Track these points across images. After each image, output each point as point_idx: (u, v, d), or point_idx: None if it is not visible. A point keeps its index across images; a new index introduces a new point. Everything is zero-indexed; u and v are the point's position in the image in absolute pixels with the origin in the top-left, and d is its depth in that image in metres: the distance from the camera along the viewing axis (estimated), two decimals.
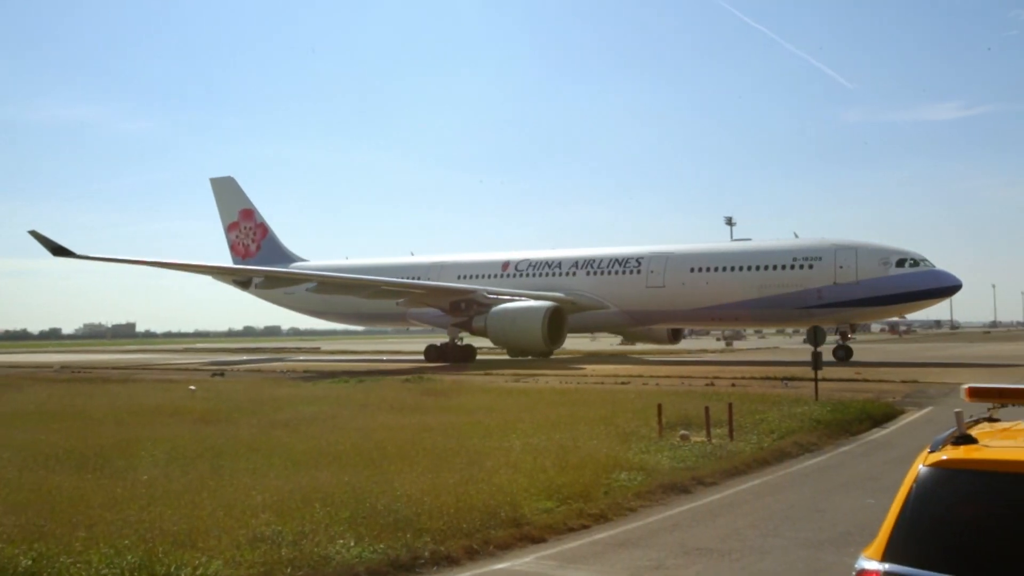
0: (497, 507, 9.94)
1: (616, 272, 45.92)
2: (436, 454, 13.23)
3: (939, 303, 43.49)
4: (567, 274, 47.43)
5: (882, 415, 19.71)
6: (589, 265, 46.91)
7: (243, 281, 57.86)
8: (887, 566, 3.85)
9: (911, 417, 19.80)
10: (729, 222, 55.50)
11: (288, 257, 61.14)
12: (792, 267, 40.82)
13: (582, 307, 45.65)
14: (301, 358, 56.13)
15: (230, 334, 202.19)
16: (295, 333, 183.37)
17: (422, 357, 47.62)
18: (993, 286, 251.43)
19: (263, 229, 61.77)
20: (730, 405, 16.59)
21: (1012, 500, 3.79)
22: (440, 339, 50.23)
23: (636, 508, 10.99)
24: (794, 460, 14.59)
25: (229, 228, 62.69)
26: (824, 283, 39.68)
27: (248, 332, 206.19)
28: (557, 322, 42.53)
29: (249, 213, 62.08)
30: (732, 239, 52.22)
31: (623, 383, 28.34)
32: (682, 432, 15.92)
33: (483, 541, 9.15)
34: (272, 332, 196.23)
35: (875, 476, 12.84)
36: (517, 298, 44.49)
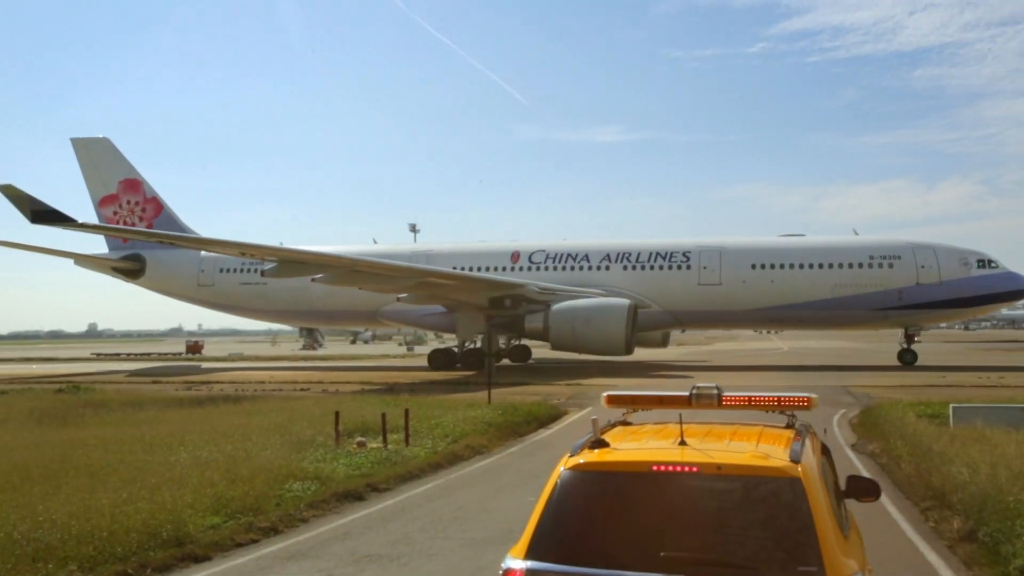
0: (158, 526, 9.31)
1: (660, 267, 40.82)
2: (91, 472, 12.09)
3: (1009, 305, 42.54)
4: (597, 267, 41.58)
5: (548, 416, 21.21)
6: (625, 258, 41.45)
7: (129, 270, 47.62)
8: (529, 564, 4.15)
9: (573, 417, 21.48)
10: (413, 229, 56.46)
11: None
12: (870, 266, 38.12)
13: None
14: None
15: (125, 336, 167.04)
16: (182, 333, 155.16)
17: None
18: None
19: (155, 205, 48.92)
20: (407, 411, 16.92)
21: (634, 495, 4.25)
22: (440, 343, 44.00)
23: (308, 519, 10.84)
24: (466, 462, 15.23)
25: (103, 203, 49.02)
26: (906, 283, 37.54)
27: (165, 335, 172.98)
28: (634, 322, 37.85)
29: (135, 184, 48.98)
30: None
31: (302, 390, 27.87)
32: (359, 439, 15.97)
33: (139, 565, 8.52)
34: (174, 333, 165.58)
35: (537, 475, 13.73)
36: (573, 294, 38.84)
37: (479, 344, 40.23)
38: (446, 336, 51.52)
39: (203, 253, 46.35)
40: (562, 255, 42.27)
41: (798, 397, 5.02)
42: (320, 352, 73.91)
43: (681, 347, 68.29)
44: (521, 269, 42.06)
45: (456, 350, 41.00)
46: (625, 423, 5.43)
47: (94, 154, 48.74)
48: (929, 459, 12.19)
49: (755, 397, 5.07)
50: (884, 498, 10.93)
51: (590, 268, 41.48)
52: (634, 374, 35.48)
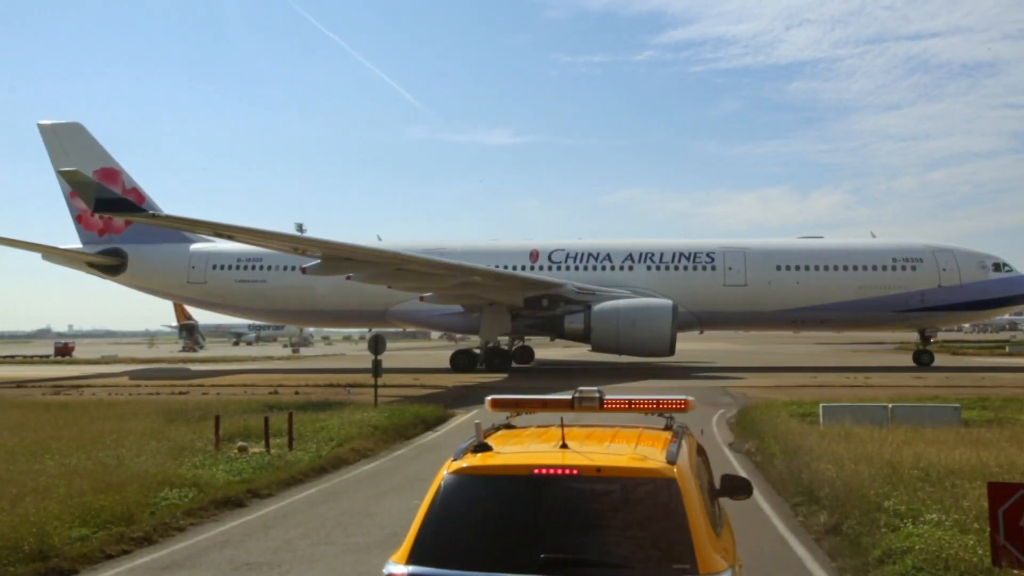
0: (20, 540, 8.80)
1: (685, 267, 40.26)
2: None
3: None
4: (620, 267, 40.69)
5: (435, 419, 21.16)
6: (649, 258, 40.75)
7: (107, 265, 43.92)
8: (411, 569, 4.14)
9: (460, 419, 21.48)
10: (300, 229, 55.32)
11: (181, 236, 45.55)
12: (893, 268, 38.69)
13: None
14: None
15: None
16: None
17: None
18: None
19: (136, 196, 44.64)
20: (291, 414, 16.57)
21: (516, 498, 4.30)
22: (460, 345, 41.33)
23: (185, 527, 10.48)
24: (351, 466, 15.04)
25: (74, 193, 43.75)
26: (928, 285, 38.15)
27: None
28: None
29: (112, 174, 45.03)
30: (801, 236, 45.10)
31: (181, 393, 26.91)
32: (240, 444, 15.56)
33: None
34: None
35: (424, 478, 13.65)
36: (611, 294, 37.71)
37: (501, 345, 39.69)
38: (449, 336, 49.06)
39: (192, 247, 44.35)
40: (583, 254, 41.52)
41: (676, 400, 5.17)
42: (202, 354, 71.35)
43: (569, 349, 69.12)
44: (541, 268, 40.96)
45: (478, 351, 39.82)
46: (509, 426, 5.48)
47: (64, 141, 45.04)
48: (800, 457, 12.75)
49: (635, 400, 5.19)
50: (757, 495, 11.38)
51: (612, 268, 40.80)
52: (660, 375, 34.70)
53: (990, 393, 23.28)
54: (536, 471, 4.31)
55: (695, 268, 40.14)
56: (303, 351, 78.35)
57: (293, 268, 40.79)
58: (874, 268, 38.77)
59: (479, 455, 4.55)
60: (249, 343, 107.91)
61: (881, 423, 15.87)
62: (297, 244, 34.56)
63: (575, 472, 4.27)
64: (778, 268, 39.40)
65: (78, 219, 45.79)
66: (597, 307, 36.69)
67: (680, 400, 5.17)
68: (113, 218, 43.36)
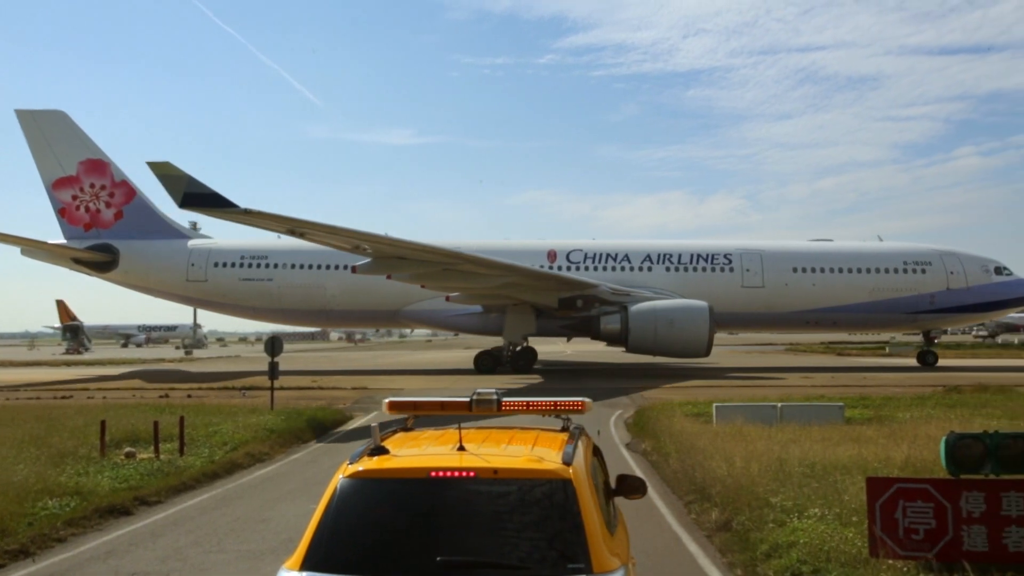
0: None
1: (704, 269, 40.21)
2: None
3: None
4: (640, 268, 40.37)
5: (332, 421, 20.85)
6: (667, 259, 40.60)
7: (96, 262, 40.85)
8: (305, 574, 4.07)
9: (358, 422, 21.23)
10: (194, 227, 53.57)
11: (177, 232, 43.48)
12: (905, 271, 39.69)
13: None
14: None
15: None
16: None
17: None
18: None
19: (127, 189, 42.71)
20: (182, 418, 16.03)
21: (413, 501, 4.27)
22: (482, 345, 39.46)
23: (66, 538, 10.00)
24: (245, 471, 14.68)
25: (57, 185, 42.34)
26: (938, 288, 39.27)
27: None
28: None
29: (99, 166, 42.48)
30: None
31: (64, 397, 25.74)
32: (128, 449, 14.97)
33: None
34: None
35: (320, 481, 13.41)
36: (646, 296, 37.26)
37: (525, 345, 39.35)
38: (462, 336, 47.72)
39: (190, 243, 42.04)
40: (601, 255, 41.19)
41: (573, 401, 5.24)
42: (88, 356, 68.37)
43: (471, 350, 69.12)
44: (560, 268, 40.37)
45: (501, 352, 39.19)
46: (407, 429, 5.44)
47: (46, 129, 42.35)
48: (693, 455, 13.10)
49: (532, 402, 5.23)
50: (653, 493, 11.66)
51: (632, 269, 40.56)
52: (691, 376, 34.31)
53: (871, 392, 24.44)
54: (433, 473, 4.29)
55: (713, 270, 40.36)
56: (196, 353, 75.91)
57: (301, 266, 40.13)
58: (886, 271, 39.82)
59: (375, 458, 4.51)
60: (139, 345, 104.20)
61: (771, 422, 16.45)
62: (390, 245, 33.23)
63: (472, 474, 4.27)
64: (794, 270, 40.06)
65: (60, 212, 42.76)
66: (635, 308, 36.49)
67: (577, 402, 5.24)
68: (101, 212, 41.91)
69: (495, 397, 5.12)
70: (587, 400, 5.29)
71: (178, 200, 27.69)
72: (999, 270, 40.38)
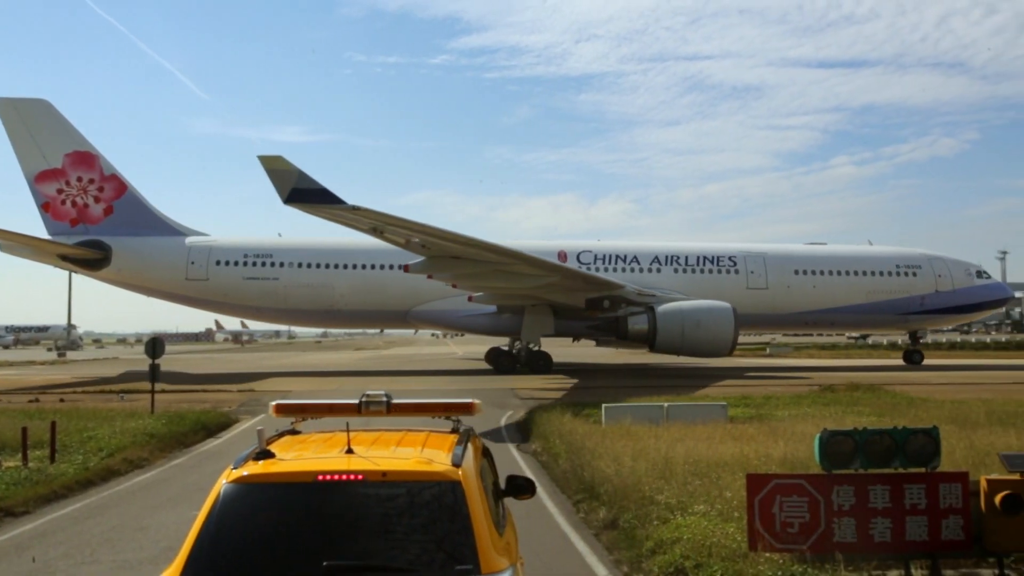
0: None
1: (710, 270, 40.76)
2: None
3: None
4: (648, 270, 40.48)
5: (217, 425, 20.24)
6: (675, 261, 40.99)
7: (85, 259, 38.40)
8: None
9: (244, 425, 20.66)
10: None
11: (171, 228, 40.45)
12: (897, 274, 41.15)
13: None
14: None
15: None
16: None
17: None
18: None
19: (117, 184, 39.75)
20: (53, 424, 15.25)
21: (300, 506, 4.19)
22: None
23: None
24: (122, 478, 14.10)
25: (41, 178, 39.05)
26: (927, 290, 40.87)
27: None
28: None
29: (87, 159, 39.42)
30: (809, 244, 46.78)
31: None
32: None
33: None
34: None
35: (204, 487, 12.97)
36: (670, 297, 37.26)
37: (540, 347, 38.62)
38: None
39: (188, 240, 39.64)
40: (611, 256, 41.29)
41: (462, 403, 5.24)
42: None
43: (363, 352, 68.40)
44: None
45: (515, 352, 38.78)
46: (293, 432, 5.33)
47: (27, 119, 39.58)
48: (582, 455, 13.30)
49: (422, 403, 5.21)
50: (542, 493, 11.79)
51: (641, 270, 40.83)
52: (718, 377, 34.27)
53: (752, 392, 25.35)
54: (320, 477, 4.22)
55: (719, 271, 41.26)
56: (70, 355, 72.33)
57: (309, 265, 39.19)
58: (880, 274, 41.58)
59: (261, 463, 4.40)
60: (7, 347, 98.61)
61: (657, 421, 16.85)
62: (489, 251, 32.94)
63: (360, 477, 4.22)
64: (796, 272, 41.36)
65: (44, 207, 40.06)
66: (662, 308, 36.68)
67: (467, 403, 5.25)
68: (89, 207, 39.65)
69: (385, 399, 5.07)
70: (476, 401, 5.31)
71: (283, 196, 26.89)
72: (980, 273, 42.78)
